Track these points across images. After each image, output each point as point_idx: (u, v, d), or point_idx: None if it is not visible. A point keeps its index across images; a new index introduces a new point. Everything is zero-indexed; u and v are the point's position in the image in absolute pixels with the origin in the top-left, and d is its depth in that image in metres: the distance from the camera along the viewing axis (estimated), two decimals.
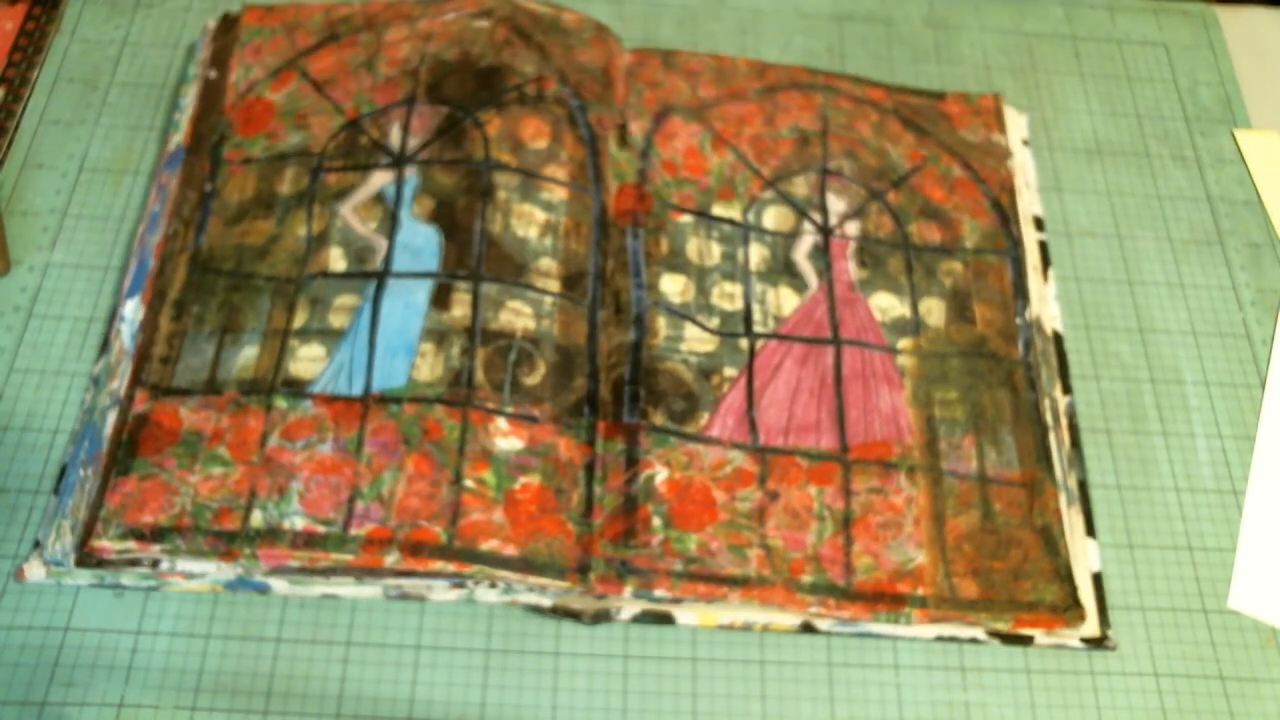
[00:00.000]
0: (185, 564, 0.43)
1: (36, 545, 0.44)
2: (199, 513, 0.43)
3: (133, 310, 0.48)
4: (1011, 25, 0.65)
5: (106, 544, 0.42)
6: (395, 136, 0.53)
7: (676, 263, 0.51)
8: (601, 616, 0.44)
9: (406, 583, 0.44)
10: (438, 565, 0.42)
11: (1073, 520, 0.48)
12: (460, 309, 0.48)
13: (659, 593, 0.43)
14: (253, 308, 0.48)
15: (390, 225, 0.50)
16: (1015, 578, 0.45)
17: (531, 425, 0.46)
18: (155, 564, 0.43)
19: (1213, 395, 0.52)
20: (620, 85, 0.56)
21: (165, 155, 0.53)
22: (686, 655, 0.45)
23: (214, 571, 0.43)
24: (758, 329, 0.50)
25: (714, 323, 0.50)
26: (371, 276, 0.48)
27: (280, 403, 0.45)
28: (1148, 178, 0.59)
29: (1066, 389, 0.51)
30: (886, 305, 0.51)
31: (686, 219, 0.53)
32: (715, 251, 0.52)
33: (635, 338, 0.49)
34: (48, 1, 0.61)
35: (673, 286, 0.51)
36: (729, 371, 0.49)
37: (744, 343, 0.50)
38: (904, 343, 0.50)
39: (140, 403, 0.45)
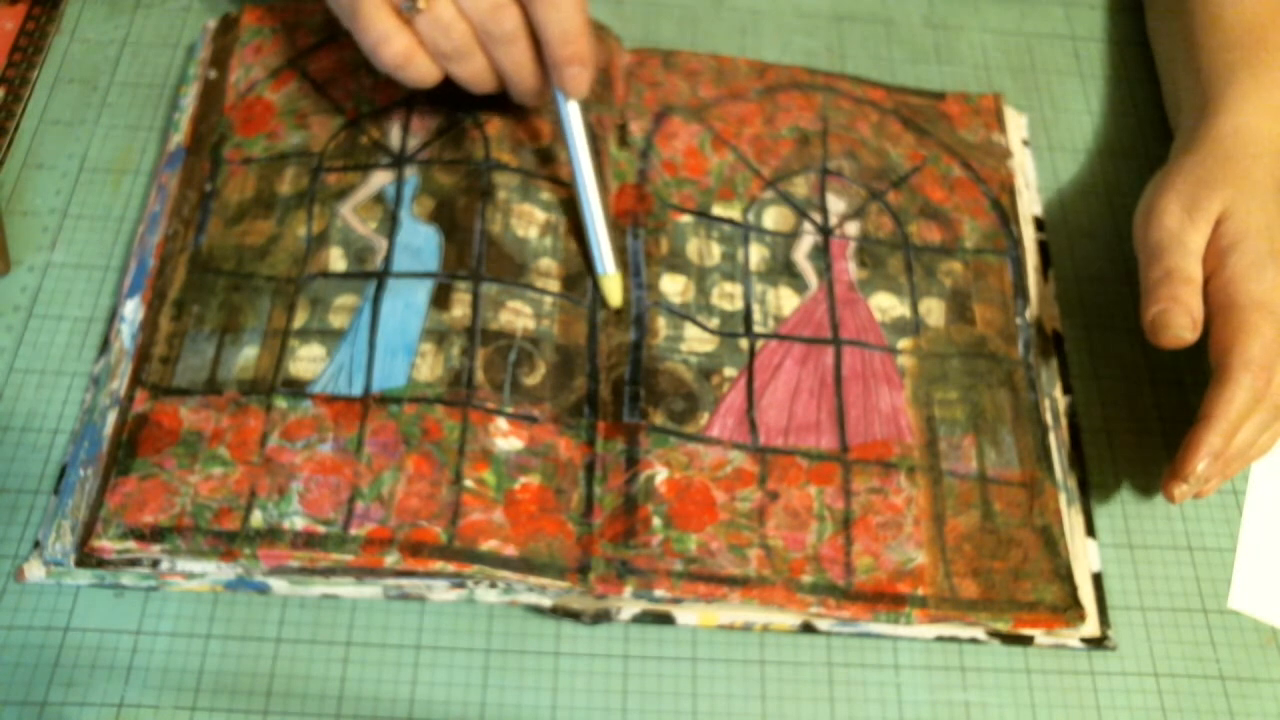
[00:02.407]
0: (185, 564, 0.43)
1: (36, 545, 0.44)
2: (199, 513, 0.43)
3: (133, 310, 0.48)
4: (1011, 25, 0.65)
5: (106, 544, 0.42)
6: (395, 136, 0.53)
7: (676, 263, 0.51)
8: (601, 616, 0.44)
9: (406, 583, 0.44)
10: (438, 565, 0.42)
11: (1073, 520, 0.48)
12: (460, 309, 0.48)
13: (659, 593, 0.43)
14: (253, 308, 0.48)
15: (390, 225, 0.50)
16: (1015, 578, 0.45)
17: (531, 425, 0.46)
18: (155, 564, 0.43)
19: None
20: (620, 85, 0.56)
21: (165, 155, 0.53)
22: (686, 655, 0.45)
23: (214, 571, 0.43)
24: (758, 329, 0.50)
25: (714, 323, 0.50)
26: (371, 276, 0.48)
27: (280, 403, 0.45)
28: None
29: (1066, 389, 0.51)
30: (886, 305, 0.51)
31: (686, 219, 0.52)
32: (715, 251, 0.52)
33: (635, 338, 0.49)
34: (48, 1, 0.60)
35: (673, 286, 0.50)
36: (729, 371, 0.49)
37: (744, 343, 0.50)
38: (904, 343, 0.50)
39: (140, 403, 0.45)
